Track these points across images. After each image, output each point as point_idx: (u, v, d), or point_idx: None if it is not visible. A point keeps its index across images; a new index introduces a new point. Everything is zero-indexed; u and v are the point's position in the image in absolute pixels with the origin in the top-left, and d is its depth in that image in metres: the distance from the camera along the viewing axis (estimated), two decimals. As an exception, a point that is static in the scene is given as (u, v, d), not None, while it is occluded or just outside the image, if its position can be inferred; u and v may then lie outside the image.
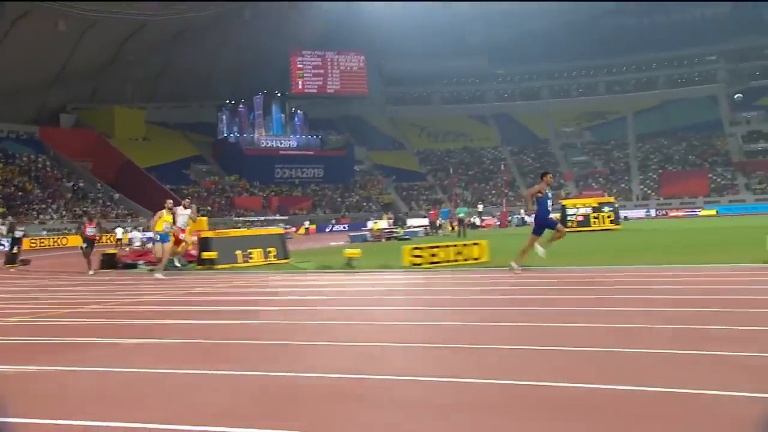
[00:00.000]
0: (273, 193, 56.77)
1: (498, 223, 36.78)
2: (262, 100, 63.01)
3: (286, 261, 12.76)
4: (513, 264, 9.02)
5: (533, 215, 9.56)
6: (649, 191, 60.78)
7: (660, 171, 63.42)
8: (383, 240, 23.49)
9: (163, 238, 11.38)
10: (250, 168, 57.36)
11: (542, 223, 9.23)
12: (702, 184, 58.63)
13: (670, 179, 60.27)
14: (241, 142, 59.70)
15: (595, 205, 22.90)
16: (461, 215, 25.32)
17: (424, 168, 68.43)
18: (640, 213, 54.28)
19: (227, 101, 62.21)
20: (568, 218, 22.40)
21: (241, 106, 62.20)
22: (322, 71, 78.91)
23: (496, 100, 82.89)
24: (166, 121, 64.89)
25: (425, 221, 30.32)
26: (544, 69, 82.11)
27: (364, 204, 57.98)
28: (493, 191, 64.08)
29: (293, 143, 63.27)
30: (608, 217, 21.79)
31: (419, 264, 9.64)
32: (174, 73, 66.58)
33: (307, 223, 33.67)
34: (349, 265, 10.64)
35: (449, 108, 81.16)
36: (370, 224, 31.13)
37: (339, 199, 58.74)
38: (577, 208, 22.82)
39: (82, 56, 55.22)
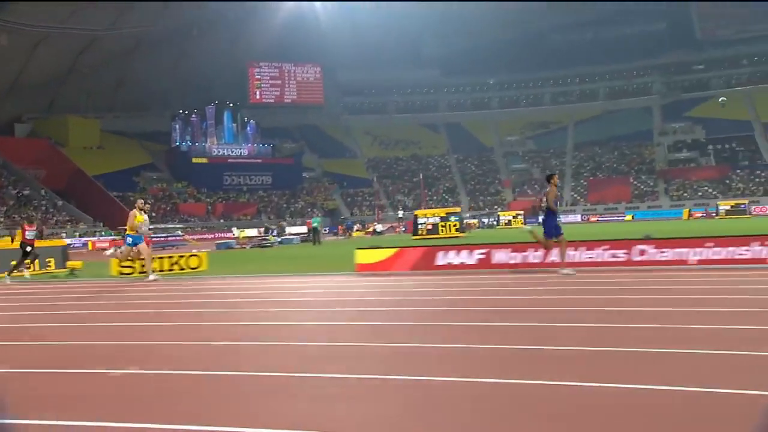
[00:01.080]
0: (220, 200, 58.43)
1: (403, 229, 38.75)
2: (214, 110, 64.56)
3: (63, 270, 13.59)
4: (564, 270, 9.06)
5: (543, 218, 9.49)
6: (578, 197, 63.20)
7: (591, 178, 65.90)
8: (247, 248, 25.19)
9: (135, 239, 10.89)
10: (199, 175, 58.99)
11: (552, 224, 9.34)
12: (625, 191, 61.19)
13: (597, 186, 62.78)
14: (191, 151, 61.30)
15: (443, 215, 24.81)
16: (315, 225, 27.20)
17: (371, 175, 70.37)
18: (568, 218, 56.67)
19: (180, 111, 63.66)
20: (419, 227, 24.32)
21: (193, 116, 63.73)
22: (279, 82, 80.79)
23: (447, 110, 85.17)
24: (123, 130, 66.29)
25: (304, 229, 32.09)
26: (494, 80, 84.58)
27: (308, 210, 59.77)
28: (435, 197, 66.16)
29: (244, 151, 64.94)
30: (454, 225, 23.69)
31: (129, 274, 11.47)
32: (133, 84, 68.00)
33: (235, 230, 35.35)
34: (72, 274, 12.32)
35: (403, 117, 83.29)
36: (235, 232, 32.63)
37: (285, 205, 60.53)
38: (427, 217, 24.72)
39: (37, 68, 56.56)
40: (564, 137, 76.16)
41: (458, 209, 28.56)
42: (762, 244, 9.14)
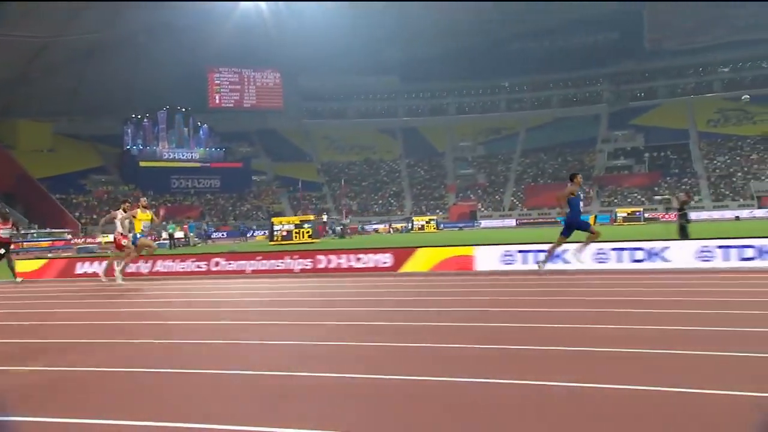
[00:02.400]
0: (167, 203, 59.14)
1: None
2: (165, 114, 65.31)
3: None
4: (539, 265, 9.17)
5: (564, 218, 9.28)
6: (517, 202, 64.30)
7: (533, 184, 66.99)
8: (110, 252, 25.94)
9: (136, 238, 10.65)
10: (146, 179, 59.77)
11: (572, 225, 9.06)
12: (560, 197, 62.25)
13: (534, 191, 63.86)
14: (141, 154, 62.06)
15: (297, 222, 25.73)
16: (170, 230, 28.06)
17: (322, 178, 71.27)
18: (502, 222, 57.86)
19: (132, 115, 64.40)
20: (275, 232, 25.26)
21: (145, 120, 64.46)
22: (238, 87, 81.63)
23: (406, 115, 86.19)
24: (78, 133, 66.96)
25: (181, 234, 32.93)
26: (451, 87, 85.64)
27: (254, 212, 60.66)
28: (380, 201, 67.16)
29: (195, 155, 65.74)
30: (306, 232, 24.64)
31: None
32: (91, 88, 68.62)
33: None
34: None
35: (362, 122, 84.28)
36: (99, 237, 33.01)
37: (230, 208, 61.35)
38: (283, 224, 25.64)
39: (-14, 73, 57.22)
40: (514, 143, 77.26)
41: (311, 217, 29.43)
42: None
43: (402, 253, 10.75)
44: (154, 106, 66.55)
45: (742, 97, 58.14)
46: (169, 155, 64.18)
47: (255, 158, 74.15)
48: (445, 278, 9.84)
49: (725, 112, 70.82)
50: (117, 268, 10.72)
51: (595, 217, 43.68)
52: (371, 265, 10.77)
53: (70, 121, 67.50)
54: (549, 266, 9.36)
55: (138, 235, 10.70)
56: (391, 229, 45.42)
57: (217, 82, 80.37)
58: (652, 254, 9.68)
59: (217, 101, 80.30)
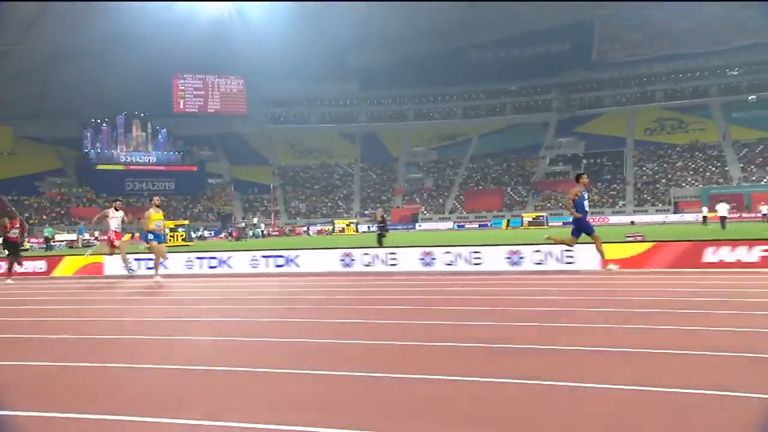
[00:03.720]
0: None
1: (222, 234, 41.57)
2: (123, 119, 67.10)
3: None
4: (610, 267, 9.09)
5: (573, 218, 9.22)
6: (458, 205, 66.29)
7: (475, 188, 68.98)
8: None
9: (157, 237, 10.63)
10: (101, 181, 61.56)
11: (579, 226, 9.09)
12: (497, 201, 64.34)
13: (474, 196, 65.91)
14: (98, 157, 63.84)
15: (172, 226, 27.52)
16: (47, 234, 29.76)
17: (277, 181, 73.11)
18: (436, 225, 59.78)
19: (92, 120, 66.15)
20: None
21: (104, 124, 66.21)
22: (203, 93, 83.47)
23: (366, 121, 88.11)
24: (42, 137, 68.69)
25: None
26: (410, 94, 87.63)
27: (205, 214, 62.48)
28: (329, 204, 69.06)
29: (152, 159, 67.51)
30: (181, 236, 26.44)
31: None
32: (56, 93, 70.44)
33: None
34: None
35: (323, 127, 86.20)
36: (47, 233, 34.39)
37: (183, 210, 63.12)
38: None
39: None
40: (466, 149, 79.22)
41: (186, 222, 31.27)
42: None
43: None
44: (117, 111, 68.35)
45: (750, 98, 59.81)
46: (126, 158, 65.95)
47: (214, 161, 75.99)
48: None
49: (662, 121, 73.08)
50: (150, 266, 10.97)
51: (508, 221, 45.64)
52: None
53: (34, 125, 69.18)
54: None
55: (149, 235, 10.53)
56: (317, 232, 47.39)
57: (181, 88, 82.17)
58: (288, 260, 11.55)
59: (182, 106, 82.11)
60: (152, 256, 10.69)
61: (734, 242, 9.27)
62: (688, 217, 53.25)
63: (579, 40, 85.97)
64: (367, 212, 67.06)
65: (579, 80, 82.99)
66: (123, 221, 11.67)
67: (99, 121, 66.48)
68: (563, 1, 77.78)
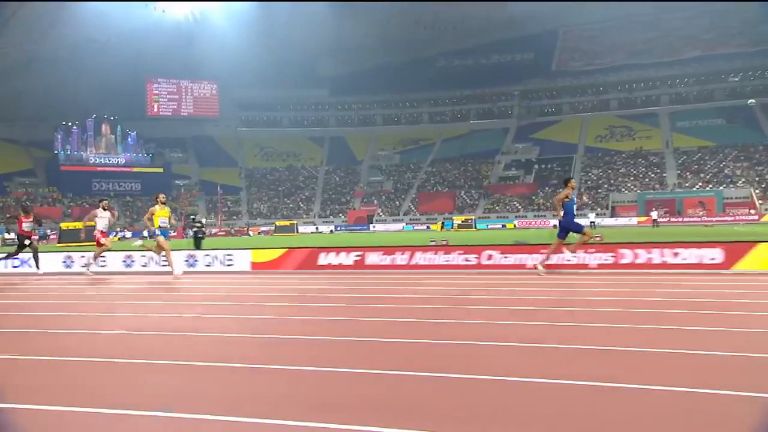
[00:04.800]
0: (86, 204, 62.71)
1: (174, 233, 43.36)
2: (93, 122, 68.82)
3: None
4: (539, 267, 9.26)
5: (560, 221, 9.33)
6: (413, 207, 68.16)
7: (431, 191, 70.84)
8: None
9: (163, 233, 10.61)
10: (68, 182, 63.32)
11: (568, 227, 9.15)
12: (449, 203, 66.23)
13: (427, 198, 67.78)
14: (67, 159, 65.59)
15: (81, 226, 29.32)
16: None
17: (243, 183, 74.90)
18: (385, 227, 61.63)
19: (63, 122, 67.84)
20: (62, 237, 29.01)
21: (75, 127, 67.93)
22: (176, 96, 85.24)
23: (336, 125, 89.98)
24: (16, 138, 70.43)
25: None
26: (378, 99, 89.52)
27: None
28: (291, 205, 70.86)
29: (121, 160, 69.26)
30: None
31: None
32: (31, 96, 72.15)
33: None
34: None
35: (293, 131, 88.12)
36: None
37: (147, 210, 64.83)
38: (69, 229, 29.34)
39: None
40: (428, 153, 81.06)
41: (93, 222, 32.97)
42: None
43: None
44: (91, 114, 70.04)
45: (749, 101, 61.38)
46: (95, 160, 67.70)
47: (184, 163, 77.80)
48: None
49: (613, 128, 75.08)
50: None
51: (443, 223, 47.52)
52: None
53: (7, 127, 70.85)
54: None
55: (157, 231, 10.63)
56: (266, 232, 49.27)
57: (155, 92, 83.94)
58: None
59: (156, 110, 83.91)
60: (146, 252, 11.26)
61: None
62: (622, 220, 55.38)
63: (542, 49, 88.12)
64: (327, 212, 68.97)
65: (539, 88, 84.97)
66: (109, 221, 11.79)
67: (70, 123, 68.14)
68: (558, 1, 79.72)
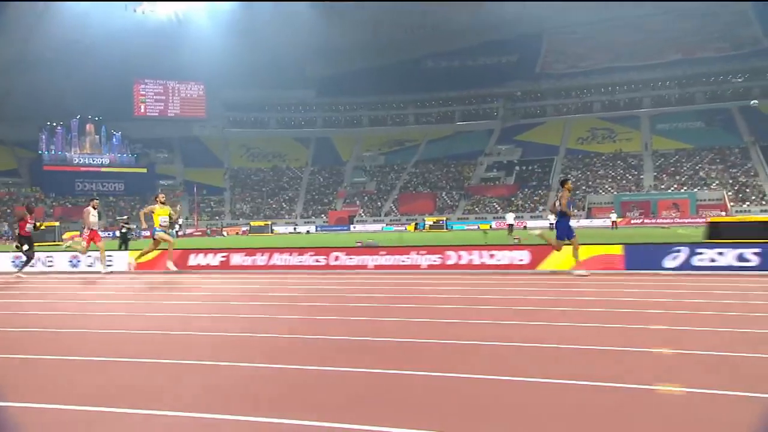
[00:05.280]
0: (69, 204, 63.02)
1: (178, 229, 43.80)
2: (77, 122, 69.13)
3: None
4: (577, 271, 9.16)
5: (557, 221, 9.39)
6: (394, 208, 68.47)
7: (413, 192, 71.12)
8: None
9: (160, 232, 10.68)
10: (51, 182, 63.58)
11: (558, 228, 9.32)
12: (430, 204, 66.56)
13: (407, 199, 68.10)
14: (51, 159, 65.87)
15: (43, 227, 29.68)
16: None
17: (227, 184, 75.18)
18: (364, 227, 61.93)
19: (47, 123, 68.10)
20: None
21: (59, 127, 68.21)
22: (163, 97, 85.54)
23: (323, 126, 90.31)
24: (1, 138, 70.63)
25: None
26: (365, 101, 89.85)
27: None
28: (274, 206, 71.18)
29: (105, 161, 69.54)
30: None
31: None
32: (19, 97, 72.41)
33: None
34: None
35: (280, 132, 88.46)
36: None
37: (129, 209, 65.12)
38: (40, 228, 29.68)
39: None
40: (413, 154, 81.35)
41: (57, 223, 33.32)
42: None
43: None
44: (78, 115, 70.30)
45: (751, 102, 61.78)
46: (79, 160, 67.96)
47: (169, 164, 78.07)
48: None
49: (595, 130, 75.44)
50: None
51: (416, 224, 47.84)
52: None
53: (-6, 127, 71.08)
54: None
55: (156, 230, 10.66)
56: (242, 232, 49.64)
57: (142, 92, 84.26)
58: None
59: (142, 110, 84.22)
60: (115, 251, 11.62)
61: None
62: (597, 222, 55.72)
63: (528, 52, 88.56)
64: (310, 213, 69.30)
65: (524, 90, 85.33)
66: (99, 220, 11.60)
67: (54, 124, 68.41)
68: (552, 1, 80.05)
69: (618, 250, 9.82)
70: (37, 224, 11.86)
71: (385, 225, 62.78)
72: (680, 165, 62.43)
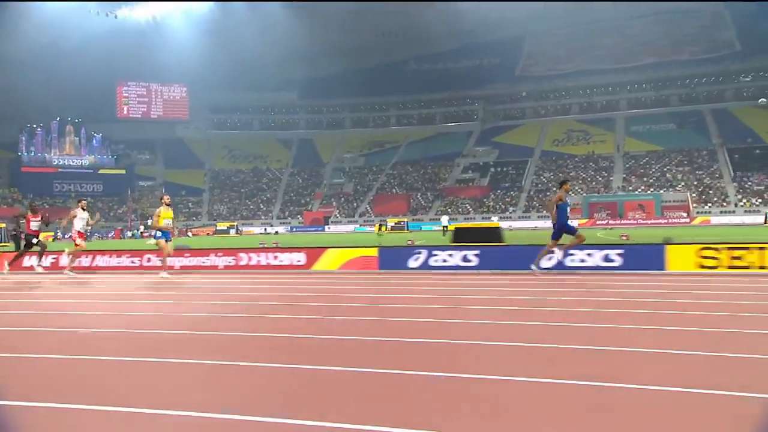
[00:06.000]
0: (46, 205, 63.53)
1: (111, 235, 44.24)
2: (57, 124, 69.73)
3: None
4: (533, 266, 9.29)
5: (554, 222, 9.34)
6: (369, 209, 68.97)
7: (389, 193, 71.61)
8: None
9: (165, 234, 10.45)
10: (29, 183, 64.18)
11: (561, 228, 9.23)
12: (403, 205, 67.05)
13: (382, 200, 68.61)
14: (30, 160, 66.46)
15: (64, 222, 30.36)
16: None
17: (207, 185, 75.72)
18: (345, 227, 62.52)
19: (28, 125, 68.68)
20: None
21: (39, 129, 68.82)
22: (146, 99, 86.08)
23: (305, 128, 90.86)
24: (-17, 140, 71.26)
25: None
26: (347, 103, 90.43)
27: (127, 215, 65.07)
28: (251, 207, 71.73)
29: (85, 162, 70.13)
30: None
31: None
32: (4, 97, 72.97)
33: None
34: None
35: (263, 133, 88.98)
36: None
37: (107, 210, 65.72)
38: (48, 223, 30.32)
39: None
40: (392, 156, 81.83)
41: (2, 225, 33.84)
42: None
43: None
44: (61, 116, 70.87)
45: (759, 101, 62.15)
46: (58, 162, 68.55)
47: (150, 165, 78.66)
48: None
49: (571, 132, 75.94)
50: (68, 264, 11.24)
51: (379, 225, 48.29)
52: None
53: (-24, 128, 71.61)
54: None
55: (158, 234, 10.49)
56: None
57: (125, 94, 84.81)
58: None
59: (125, 112, 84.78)
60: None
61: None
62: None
63: (509, 54, 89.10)
64: (286, 214, 69.85)
65: (505, 92, 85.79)
66: (87, 222, 11.54)
67: (35, 125, 69.00)
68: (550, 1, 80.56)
69: (374, 252, 10.67)
70: (47, 222, 11.95)
71: (358, 226, 63.35)
72: (649, 167, 62.95)
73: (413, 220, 61.91)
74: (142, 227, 46.83)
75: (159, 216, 10.52)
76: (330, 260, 10.80)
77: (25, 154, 67.50)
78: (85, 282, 10.20)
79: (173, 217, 10.85)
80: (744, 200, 51.99)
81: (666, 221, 51.17)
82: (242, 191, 75.28)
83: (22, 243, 11.34)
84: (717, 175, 57.45)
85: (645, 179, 60.71)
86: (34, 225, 11.28)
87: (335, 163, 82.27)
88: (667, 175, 59.97)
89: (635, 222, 51.96)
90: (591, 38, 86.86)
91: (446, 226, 30.23)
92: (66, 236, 12.33)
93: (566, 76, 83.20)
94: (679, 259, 9.93)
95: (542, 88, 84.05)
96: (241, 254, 10.90)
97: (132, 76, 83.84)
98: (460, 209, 64.84)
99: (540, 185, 65.60)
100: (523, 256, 10.26)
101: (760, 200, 51.38)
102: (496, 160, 73.92)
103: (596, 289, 7.86)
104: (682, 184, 57.50)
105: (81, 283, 9.98)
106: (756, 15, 75.36)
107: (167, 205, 10.76)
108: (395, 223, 45.86)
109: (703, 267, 9.87)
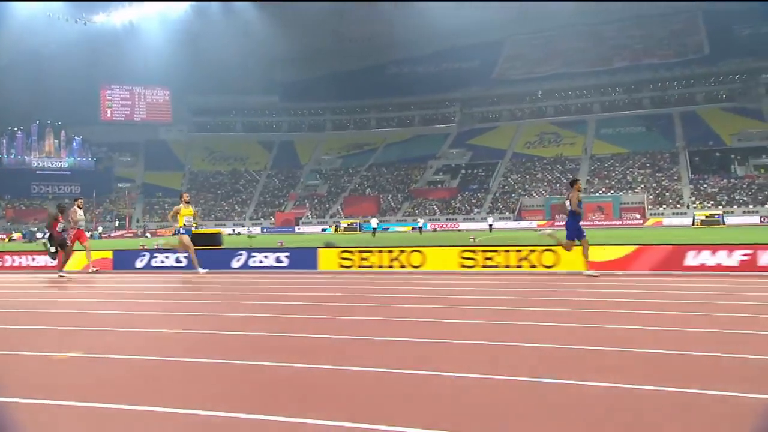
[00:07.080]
0: (23, 206, 64.87)
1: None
2: (37, 127, 71.03)
3: None
4: (589, 272, 8.84)
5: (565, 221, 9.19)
6: (340, 210, 69.76)
7: (360, 194, 72.36)
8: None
9: (187, 232, 10.55)
10: (6, 184, 65.48)
11: (570, 228, 9.08)
12: (373, 207, 67.76)
13: (352, 202, 69.39)
14: (7, 163, 67.75)
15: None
16: None
17: (184, 187, 76.68)
18: (313, 228, 63.34)
19: (9, 128, 70.02)
20: None
21: (19, 132, 70.15)
22: (129, 102, 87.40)
23: (287, 131, 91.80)
24: (-34, 142, 72.62)
25: None
26: (328, 106, 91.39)
27: (103, 216, 66.23)
28: (226, 208, 72.70)
29: (64, 164, 71.38)
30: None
31: None
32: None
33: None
34: None
35: (245, 136, 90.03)
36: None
37: (84, 211, 66.81)
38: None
39: None
40: (368, 158, 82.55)
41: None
42: None
43: None
44: (42, 119, 72.18)
45: None
46: (38, 163, 69.82)
47: (131, 167, 79.84)
48: None
49: (543, 135, 76.45)
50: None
51: (336, 226, 49.09)
52: None
53: (-42, 131, 73.03)
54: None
55: (181, 230, 10.55)
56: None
57: (108, 98, 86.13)
58: None
59: (109, 115, 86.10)
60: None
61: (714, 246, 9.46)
62: (524, 223, 56.80)
63: (488, 58, 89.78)
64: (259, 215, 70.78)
65: (482, 95, 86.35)
66: (83, 220, 11.55)
67: (15, 128, 70.33)
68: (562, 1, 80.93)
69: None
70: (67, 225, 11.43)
71: (327, 226, 64.16)
72: (613, 169, 63.41)
73: (382, 221, 62.70)
74: (149, 234, 47.82)
75: (179, 213, 10.65)
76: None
77: (5, 156, 68.78)
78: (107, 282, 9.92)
79: (193, 213, 11.01)
80: (697, 202, 52.40)
81: (620, 223, 51.67)
82: (219, 192, 76.27)
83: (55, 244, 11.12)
84: (676, 178, 57.88)
85: (607, 181, 61.20)
86: (60, 226, 11.14)
87: (313, 164, 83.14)
88: (628, 177, 60.44)
89: (592, 224, 52.43)
90: (567, 42, 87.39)
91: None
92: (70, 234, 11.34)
93: (542, 79, 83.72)
94: (327, 260, 11.15)
95: (518, 91, 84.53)
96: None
97: (115, 80, 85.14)
98: (427, 210, 65.51)
99: (507, 187, 66.18)
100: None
101: (712, 202, 51.78)
102: (468, 162, 74.49)
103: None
104: (642, 186, 57.97)
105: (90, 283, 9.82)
106: (726, 19, 75.83)
107: (186, 202, 10.90)
108: (348, 225, 46.57)
109: (463, 267, 10.67)
